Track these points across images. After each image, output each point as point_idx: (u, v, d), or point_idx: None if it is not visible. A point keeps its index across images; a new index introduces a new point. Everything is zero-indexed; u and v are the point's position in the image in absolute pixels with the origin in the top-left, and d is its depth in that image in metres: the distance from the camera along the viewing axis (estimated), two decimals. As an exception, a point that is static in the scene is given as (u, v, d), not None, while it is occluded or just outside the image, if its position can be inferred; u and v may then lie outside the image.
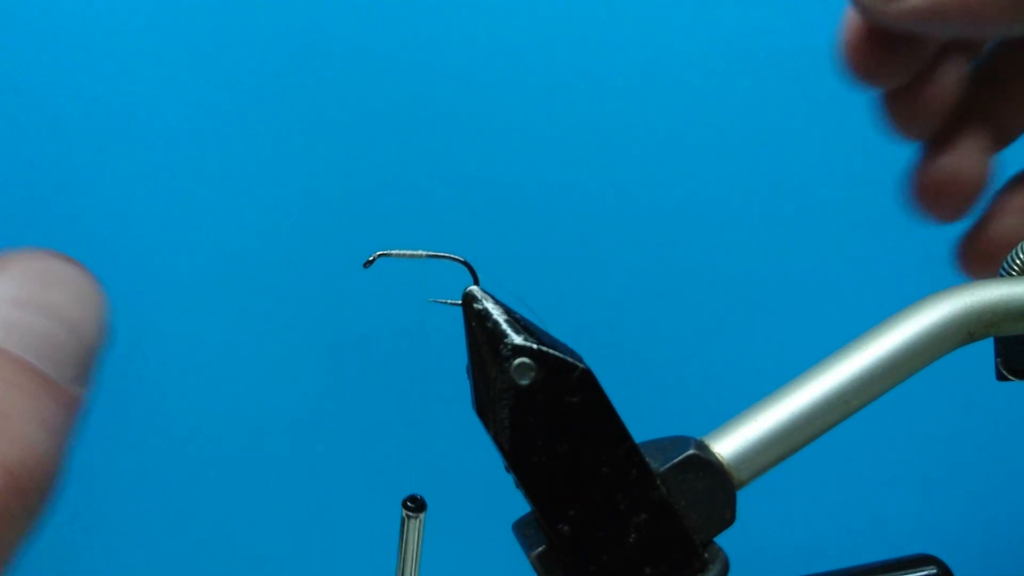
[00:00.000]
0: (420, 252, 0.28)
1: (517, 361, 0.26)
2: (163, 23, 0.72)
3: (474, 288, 0.27)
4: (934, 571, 0.29)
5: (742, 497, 0.27)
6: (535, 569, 0.27)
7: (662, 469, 0.27)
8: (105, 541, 0.71)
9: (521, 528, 0.28)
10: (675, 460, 0.27)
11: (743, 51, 0.73)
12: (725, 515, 0.27)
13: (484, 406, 0.26)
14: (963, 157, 0.39)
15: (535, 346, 0.26)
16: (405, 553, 0.28)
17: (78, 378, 0.18)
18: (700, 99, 0.73)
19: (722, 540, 0.28)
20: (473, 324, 0.26)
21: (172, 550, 0.71)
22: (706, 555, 0.27)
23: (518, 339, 0.26)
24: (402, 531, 0.28)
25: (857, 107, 0.72)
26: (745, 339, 0.73)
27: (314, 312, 0.72)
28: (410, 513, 0.28)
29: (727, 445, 0.27)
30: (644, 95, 0.73)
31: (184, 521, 0.71)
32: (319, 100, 0.72)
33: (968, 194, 0.39)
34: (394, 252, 0.28)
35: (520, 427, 0.26)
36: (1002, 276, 0.31)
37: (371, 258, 0.27)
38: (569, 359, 0.26)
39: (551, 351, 0.26)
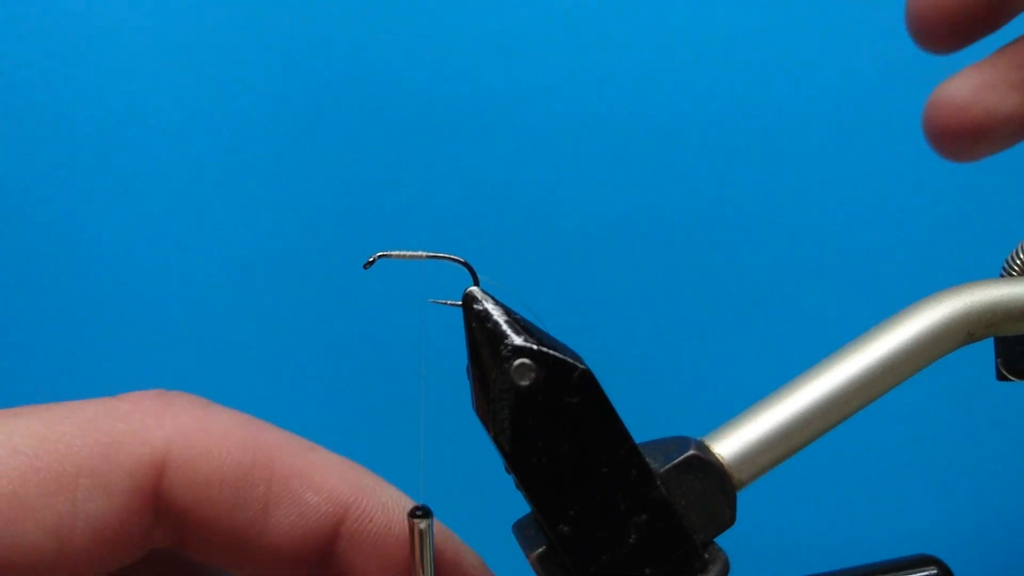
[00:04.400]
0: (420, 253, 0.27)
1: (517, 362, 0.26)
2: (163, 24, 0.72)
3: (474, 289, 0.27)
4: (934, 571, 0.29)
5: (742, 497, 0.27)
6: (535, 570, 0.27)
7: (662, 469, 0.27)
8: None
9: (521, 529, 0.28)
10: (675, 460, 0.27)
11: (742, 51, 0.73)
12: (725, 515, 0.27)
13: (484, 407, 0.26)
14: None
15: (535, 347, 0.26)
16: (416, 560, 0.28)
17: None
18: (699, 99, 0.73)
19: (722, 540, 0.28)
20: (473, 325, 0.26)
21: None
22: (706, 555, 0.27)
23: (518, 340, 0.26)
24: (411, 539, 0.28)
25: (857, 106, 0.72)
26: (745, 339, 0.73)
27: (314, 313, 0.72)
28: (418, 520, 0.28)
29: (727, 445, 0.27)
30: (643, 96, 0.73)
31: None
32: (319, 100, 0.72)
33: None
34: (394, 253, 0.28)
35: (520, 428, 0.26)
36: (1002, 276, 0.31)
37: (371, 259, 0.27)
38: (569, 360, 0.26)
39: (551, 352, 0.26)
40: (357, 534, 0.27)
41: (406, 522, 0.28)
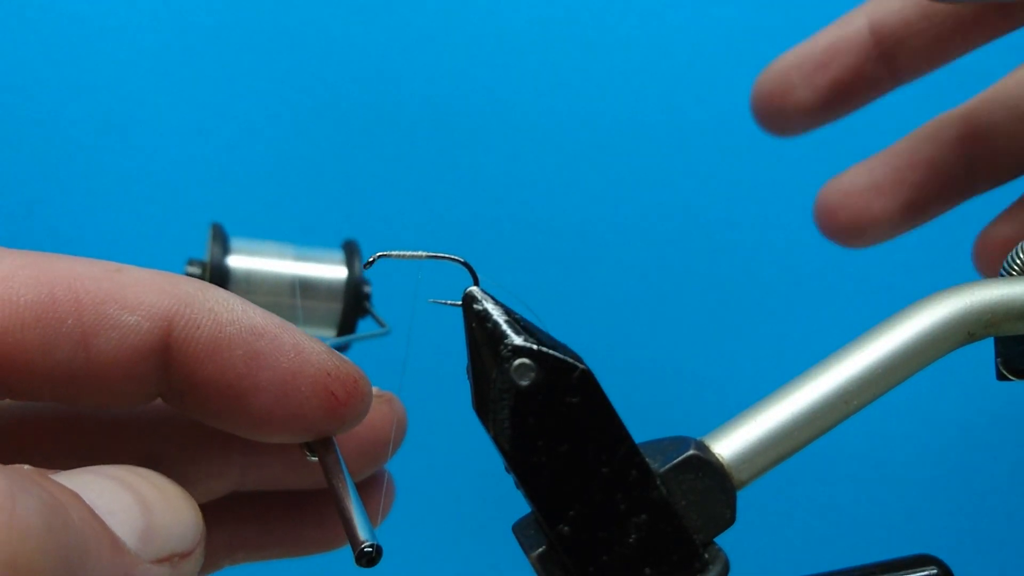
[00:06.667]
0: (420, 253, 0.27)
1: (517, 362, 0.26)
2: (166, 25, 0.72)
3: (474, 289, 0.27)
4: (934, 571, 0.29)
5: (742, 497, 0.27)
6: (535, 570, 0.27)
7: (662, 469, 0.27)
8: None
9: (521, 529, 0.28)
10: (675, 460, 0.27)
11: (742, 53, 0.73)
12: (725, 515, 0.27)
13: (484, 407, 0.26)
14: None
15: (535, 347, 0.26)
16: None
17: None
18: (698, 100, 0.73)
19: (722, 540, 0.28)
20: (473, 325, 0.26)
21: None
22: (706, 555, 0.27)
23: (518, 340, 0.26)
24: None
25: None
26: (745, 339, 0.73)
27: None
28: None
29: (727, 445, 0.27)
30: (643, 97, 0.73)
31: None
32: (319, 100, 0.72)
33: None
34: (394, 253, 0.28)
35: (520, 428, 0.26)
36: (1002, 276, 0.31)
37: (371, 259, 0.27)
38: (569, 360, 0.26)
39: (551, 352, 0.26)
40: (187, 343, 0.26)
41: (237, 321, 0.27)
